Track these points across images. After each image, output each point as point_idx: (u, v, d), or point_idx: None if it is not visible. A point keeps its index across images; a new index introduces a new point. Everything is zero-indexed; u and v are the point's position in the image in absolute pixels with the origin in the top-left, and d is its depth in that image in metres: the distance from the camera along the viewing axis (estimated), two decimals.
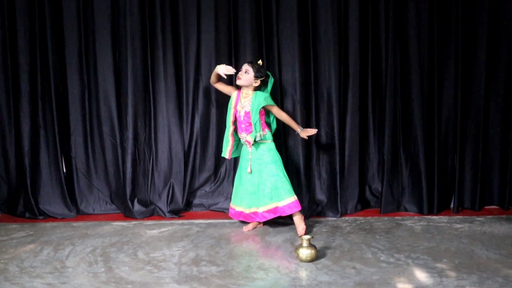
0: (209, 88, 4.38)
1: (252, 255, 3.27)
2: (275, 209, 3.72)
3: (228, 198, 4.44)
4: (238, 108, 3.84)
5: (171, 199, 4.38)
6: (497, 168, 4.43)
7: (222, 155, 3.97)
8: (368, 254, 3.26)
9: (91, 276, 2.94)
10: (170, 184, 4.41)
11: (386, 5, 4.22)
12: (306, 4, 4.22)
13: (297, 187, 4.17)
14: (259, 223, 3.90)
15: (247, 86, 3.83)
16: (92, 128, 4.45)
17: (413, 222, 4.02)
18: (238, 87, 3.94)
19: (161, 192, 4.40)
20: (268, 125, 3.92)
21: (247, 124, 3.80)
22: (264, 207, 3.74)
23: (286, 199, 3.69)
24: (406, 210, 4.33)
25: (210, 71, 4.33)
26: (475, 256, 3.20)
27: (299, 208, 3.69)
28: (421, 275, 2.89)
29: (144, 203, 4.36)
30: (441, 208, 4.31)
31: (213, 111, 4.41)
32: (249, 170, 3.78)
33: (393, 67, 4.22)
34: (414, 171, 4.30)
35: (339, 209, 4.22)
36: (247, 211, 3.83)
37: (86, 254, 3.33)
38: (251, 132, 3.78)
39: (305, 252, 3.08)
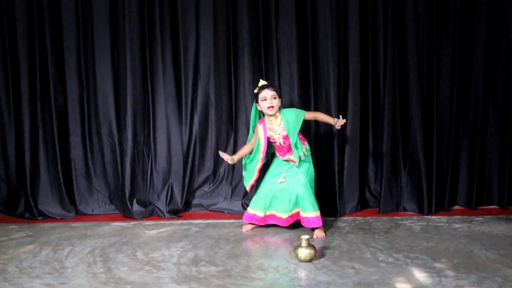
0: (208, 89, 4.39)
1: (251, 255, 3.27)
2: (297, 214, 3.69)
3: (227, 198, 4.46)
4: (272, 136, 3.74)
5: (170, 200, 4.38)
6: (496, 168, 4.44)
7: (245, 184, 3.98)
8: (367, 254, 3.27)
9: (90, 277, 2.94)
10: (169, 184, 4.41)
11: (384, 6, 4.23)
12: (305, 4, 4.22)
13: None
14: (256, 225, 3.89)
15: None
16: (91, 128, 4.45)
17: (412, 222, 4.02)
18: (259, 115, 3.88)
19: (160, 192, 4.40)
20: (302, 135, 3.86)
21: (288, 145, 3.74)
22: (288, 213, 3.67)
23: (310, 212, 3.62)
24: (405, 210, 4.34)
25: (209, 71, 4.36)
26: (474, 256, 3.20)
27: (321, 224, 3.65)
28: (420, 275, 2.89)
29: (143, 204, 4.36)
30: (439, 208, 4.33)
31: (212, 111, 4.42)
32: (282, 180, 3.72)
33: (392, 67, 4.23)
34: (413, 171, 4.30)
35: (338, 209, 4.23)
36: (262, 214, 3.78)
37: (85, 255, 3.32)
38: (293, 152, 3.73)
39: (304, 252, 3.08)
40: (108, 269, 3.05)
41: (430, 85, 4.25)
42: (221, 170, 4.51)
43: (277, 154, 3.87)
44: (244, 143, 4.40)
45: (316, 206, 3.64)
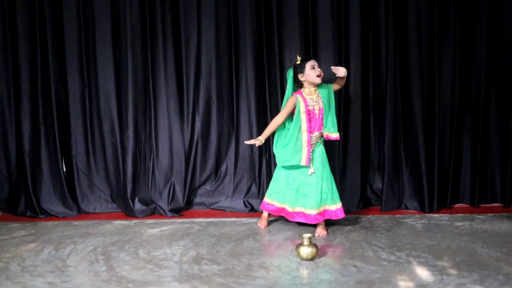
0: (209, 87, 4.39)
1: (253, 254, 3.26)
2: (324, 212, 3.67)
3: (229, 196, 4.46)
4: (312, 107, 3.67)
5: (172, 198, 4.38)
6: (498, 166, 4.44)
7: (296, 163, 3.68)
8: (369, 252, 3.26)
9: (92, 275, 2.94)
10: (171, 182, 4.42)
11: (386, 4, 4.22)
12: (307, 2, 4.21)
13: None
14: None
15: (312, 83, 3.70)
16: (93, 127, 4.45)
17: (414, 220, 4.02)
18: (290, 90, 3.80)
19: (162, 190, 4.41)
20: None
21: (321, 121, 3.70)
22: (316, 210, 3.62)
23: (337, 203, 3.66)
24: (407, 208, 4.34)
25: (211, 69, 4.35)
26: (476, 254, 3.20)
27: (344, 215, 3.67)
28: (422, 273, 2.89)
29: (145, 202, 4.36)
30: (441, 206, 4.33)
31: (214, 109, 4.41)
32: (312, 171, 3.66)
33: (393, 65, 4.23)
34: (415, 169, 4.30)
35: None
36: (290, 209, 3.74)
37: (87, 253, 3.33)
38: (322, 129, 3.70)
39: (306, 251, 3.08)
40: (110, 268, 3.05)
41: (432, 82, 4.25)
42: (223, 168, 4.51)
43: (306, 133, 3.68)
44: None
45: (338, 196, 3.71)
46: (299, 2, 4.20)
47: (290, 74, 3.79)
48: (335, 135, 3.69)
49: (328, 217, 3.68)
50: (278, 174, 3.83)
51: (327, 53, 4.24)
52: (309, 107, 3.67)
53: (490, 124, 4.40)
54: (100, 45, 4.34)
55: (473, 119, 4.36)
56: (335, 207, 3.67)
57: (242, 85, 4.38)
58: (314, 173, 3.66)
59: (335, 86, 3.81)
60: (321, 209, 3.65)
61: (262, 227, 3.88)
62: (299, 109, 3.67)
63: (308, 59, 3.69)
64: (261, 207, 3.94)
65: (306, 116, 3.66)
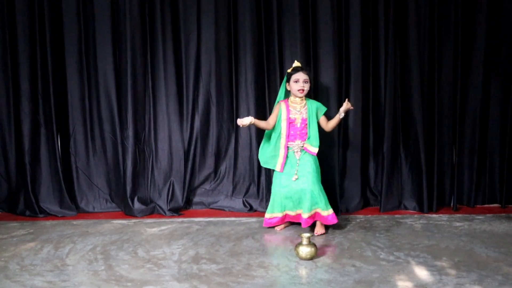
0: (209, 87, 4.39)
1: (252, 253, 3.27)
2: (314, 215, 3.65)
3: (228, 196, 4.46)
4: (294, 116, 3.73)
5: (171, 197, 4.39)
6: (497, 167, 4.45)
7: (272, 167, 3.82)
8: (368, 252, 3.27)
9: (91, 274, 2.94)
10: (170, 182, 4.42)
11: (386, 4, 4.22)
12: (307, 1, 4.21)
13: None
14: (289, 223, 3.88)
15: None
16: (92, 126, 4.45)
17: (413, 220, 4.02)
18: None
19: (161, 190, 4.41)
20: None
21: (303, 131, 3.74)
22: (308, 213, 3.61)
23: (328, 210, 3.63)
24: (406, 208, 4.34)
25: (210, 69, 4.36)
26: (474, 254, 3.20)
27: (337, 221, 3.65)
28: (421, 273, 2.89)
29: (144, 201, 4.37)
30: (440, 206, 4.34)
31: (213, 109, 4.41)
32: (295, 177, 3.68)
33: (393, 65, 4.23)
34: (414, 169, 4.31)
35: (339, 207, 4.23)
36: (292, 213, 3.76)
37: (86, 252, 3.33)
38: (306, 139, 3.73)
39: (305, 250, 3.08)
40: (109, 267, 3.05)
41: (431, 82, 4.25)
42: (222, 168, 4.51)
43: (284, 139, 3.75)
44: (245, 141, 4.41)
45: (328, 203, 3.67)
46: (299, 2, 4.20)
47: (284, 80, 3.83)
48: (313, 150, 3.72)
49: (319, 220, 3.67)
50: (274, 188, 3.83)
51: (327, 53, 4.24)
52: (290, 115, 3.74)
53: (489, 125, 4.40)
54: (99, 44, 4.34)
55: (472, 119, 4.36)
56: (326, 213, 3.64)
57: (242, 85, 4.38)
58: (298, 179, 3.67)
59: (327, 123, 3.80)
60: (313, 212, 3.64)
61: (279, 229, 3.83)
62: (280, 116, 3.75)
63: (295, 72, 3.70)
64: (264, 225, 3.85)
65: (286, 123, 3.73)
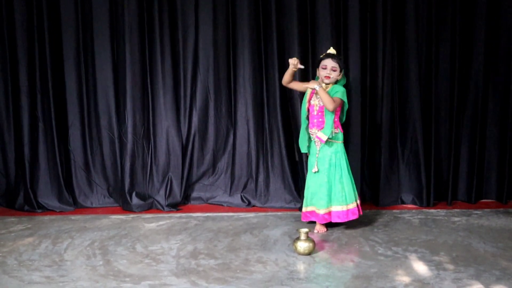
0: (207, 82, 4.38)
1: (250, 248, 3.27)
2: (331, 213, 3.59)
3: (226, 191, 4.46)
4: (313, 102, 3.64)
5: (169, 193, 4.38)
6: (495, 162, 4.45)
7: (302, 151, 3.79)
8: (366, 247, 3.27)
9: (90, 269, 2.94)
10: (168, 177, 4.41)
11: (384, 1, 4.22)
12: None
13: (298, 183, 4.19)
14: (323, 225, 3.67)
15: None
16: (90, 122, 4.44)
17: (411, 216, 4.03)
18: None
19: (159, 185, 4.41)
20: (341, 125, 3.72)
21: (320, 120, 3.62)
22: (325, 209, 3.55)
23: (350, 204, 3.57)
24: (403, 202, 4.35)
25: (208, 65, 4.34)
26: (472, 249, 3.21)
27: (357, 215, 3.60)
28: (419, 268, 2.90)
29: (142, 197, 4.36)
30: (438, 200, 4.35)
31: (211, 105, 4.41)
32: (315, 169, 3.60)
33: (391, 60, 4.23)
34: (412, 164, 4.31)
35: None
36: (309, 209, 3.68)
37: (84, 247, 3.33)
38: (322, 128, 3.59)
39: (303, 245, 3.09)
40: (107, 262, 3.06)
41: (429, 77, 4.25)
42: (220, 163, 4.51)
43: (308, 128, 3.68)
44: (243, 136, 4.41)
45: (353, 197, 3.60)
46: None
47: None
48: (323, 137, 3.57)
49: (336, 220, 3.57)
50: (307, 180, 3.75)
51: (325, 48, 4.22)
52: (311, 100, 3.67)
53: (487, 120, 4.40)
54: (97, 39, 4.33)
55: (471, 114, 4.36)
56: (346, 207, 3.55)
57: (240, 80, 4.37)
58: (317, 172, 3.59)
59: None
60: (329, 209, 3.57)
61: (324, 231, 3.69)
62: (304, 98, 3.72)
63: (325, 58, 3.63)
64: (302, 219, 3.77)
65: (306, 106, 3.68)
